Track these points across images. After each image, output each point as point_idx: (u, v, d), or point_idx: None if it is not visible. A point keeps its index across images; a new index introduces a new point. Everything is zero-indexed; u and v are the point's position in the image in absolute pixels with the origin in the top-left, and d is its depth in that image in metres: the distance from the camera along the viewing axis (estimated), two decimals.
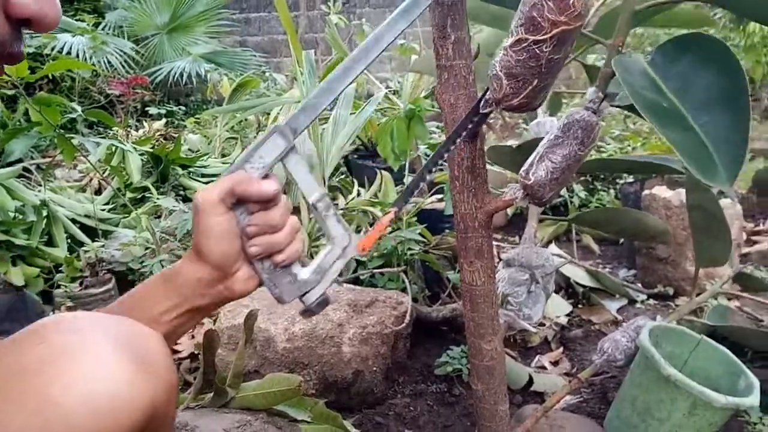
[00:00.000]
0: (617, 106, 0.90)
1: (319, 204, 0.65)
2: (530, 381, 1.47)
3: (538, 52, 0.63)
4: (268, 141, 0.62)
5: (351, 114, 1.99)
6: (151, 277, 0.66)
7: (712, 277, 1.92)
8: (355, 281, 1.64)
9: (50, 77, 4.61)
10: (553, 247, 2.33)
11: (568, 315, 1.86)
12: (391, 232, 1.67)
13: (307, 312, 0.66)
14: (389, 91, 3.02)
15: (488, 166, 0.94)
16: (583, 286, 1.99)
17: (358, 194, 2.15)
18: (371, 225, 1.80)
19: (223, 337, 1.36)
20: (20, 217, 1.94)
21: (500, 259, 1.29)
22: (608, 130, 3.36)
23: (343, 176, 2.44)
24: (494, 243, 2.13)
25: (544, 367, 1.61)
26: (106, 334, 0.46)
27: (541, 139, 0.84)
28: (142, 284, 0.65)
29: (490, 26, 1.35)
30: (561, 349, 1.69)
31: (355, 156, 2.91)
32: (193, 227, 0.61)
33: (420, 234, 1.71)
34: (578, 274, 2.03)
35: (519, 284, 1.16)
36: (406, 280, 1.48)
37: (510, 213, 2.69)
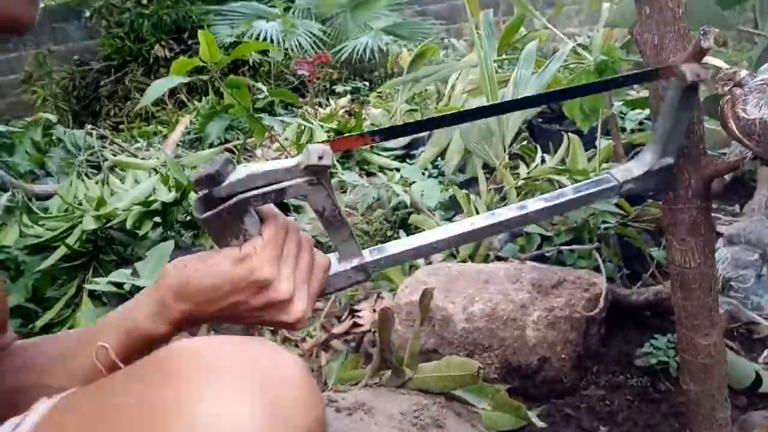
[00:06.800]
0: None
1: None
2: (757, 380, 1.23)
3: None
4: None
5: (533, 73, 1.83)
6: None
7: None
8: (540, 258, 1.50)
9: (250, 64, 5.03)
10: None
11: None
12: None
13: None
14: (577, 45, 2.74)
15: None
16: None
17: (543, 161, 1.98)
18: None
19: (401, 313, 1.33)
20: None
21: (719, 235, 1.07)
22: None
23: (524, 142, 2.27)
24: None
25: None
26: (236, 374, 0.42)
27: None
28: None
29: None
30: None
31: (540, 120, 2.70)
32: None
33: (616, 205, 1.50)
34: None
35: (745, 266, 0.95)
36: (599, 259, 1.30)
37: (727, 178, 2.29)
